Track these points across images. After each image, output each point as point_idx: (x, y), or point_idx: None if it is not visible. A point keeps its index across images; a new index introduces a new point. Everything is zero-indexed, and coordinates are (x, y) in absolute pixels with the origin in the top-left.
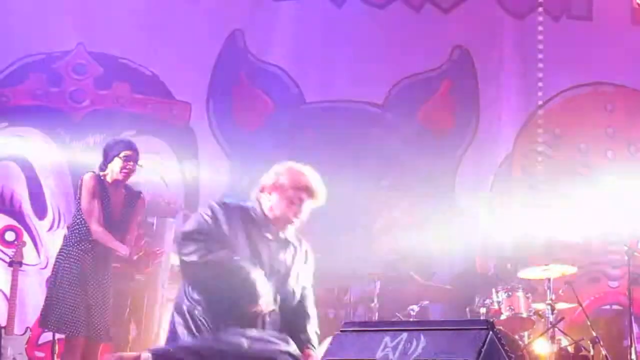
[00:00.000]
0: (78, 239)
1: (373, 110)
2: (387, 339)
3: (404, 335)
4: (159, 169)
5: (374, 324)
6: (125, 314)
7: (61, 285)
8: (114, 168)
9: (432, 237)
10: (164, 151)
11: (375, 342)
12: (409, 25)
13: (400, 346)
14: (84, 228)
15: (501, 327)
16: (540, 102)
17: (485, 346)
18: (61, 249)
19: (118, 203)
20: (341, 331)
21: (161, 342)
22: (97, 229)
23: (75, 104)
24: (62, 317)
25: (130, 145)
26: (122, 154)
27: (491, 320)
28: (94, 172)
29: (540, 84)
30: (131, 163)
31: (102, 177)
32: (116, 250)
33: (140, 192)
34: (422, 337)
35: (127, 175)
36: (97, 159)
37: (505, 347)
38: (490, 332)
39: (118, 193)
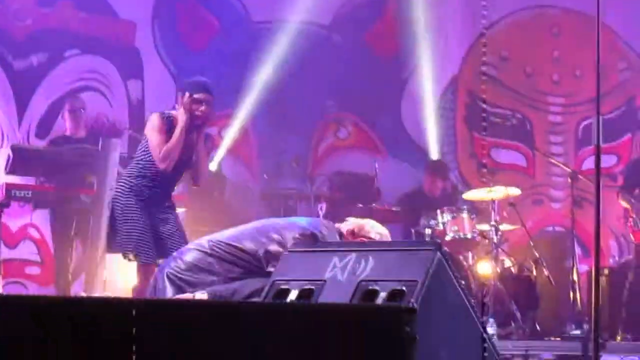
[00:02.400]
0: (142, 173)
1: (320, 31)
2: (335, 259)
3: (353, 255)
4: (103, 89)
5: (322, 245)
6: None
7: (128, 215)
8: (184, 108)
9: (378, 158)
10: (108, 71)
11: (323, 262)
12: None
13: (349, 267)
14: (149, 164)
15: (445, 249)
16: (486, 24)
17: (433, 267)
18: (122, 180)
19: (184, 143)
20: (289, 251)
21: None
22: (161, 157)
23: (17, 22)
24: (137, 243)
25: (203, 87)
26: (192, 96)
27: (438, 241)
28: (160, 112)
29: (485, 5)
30: (203, 106)
31: (169, 117)
32: None
33: (209, 135)
34: (370, 258)
35: (196, 118)
36: (39, 78)
37: (453, 268)
38: (438, 253)
39: (185, 134)
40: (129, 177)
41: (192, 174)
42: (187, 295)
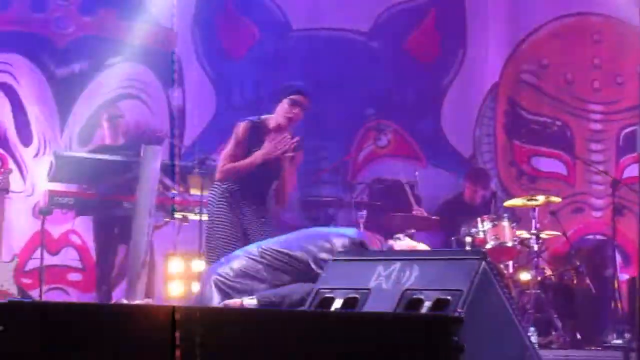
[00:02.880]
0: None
1: (359, 37)
2: (380, 268)
3: (397, 264)
4: (144, 97)
5: (367, 253)
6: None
7: (215, 222)
8: (279, 111)
9: (418, 166)
10: (149, 78)
11: (368, 271)
12: None
13: (394, 275)
14: None
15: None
16: (527, 32)
17: (478, 276)
18: (214, 186)
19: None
20: (334, 260)
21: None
22: (222, 169)
23: (59, 30)
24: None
25: (299, 90)
26: (289, 98)
27: (483, 250)
28: (250, 119)
29: (527, 13)
30: (297, 109)
31: (260, 122)
32: None
33: (299, 139)
34: (415, 267)
35: (290, 120)
36: (81, 85)
37: (498, 278)
38: (483, 262)
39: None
40: (219, 182)
41: (275, 194)
42: (235, 301)
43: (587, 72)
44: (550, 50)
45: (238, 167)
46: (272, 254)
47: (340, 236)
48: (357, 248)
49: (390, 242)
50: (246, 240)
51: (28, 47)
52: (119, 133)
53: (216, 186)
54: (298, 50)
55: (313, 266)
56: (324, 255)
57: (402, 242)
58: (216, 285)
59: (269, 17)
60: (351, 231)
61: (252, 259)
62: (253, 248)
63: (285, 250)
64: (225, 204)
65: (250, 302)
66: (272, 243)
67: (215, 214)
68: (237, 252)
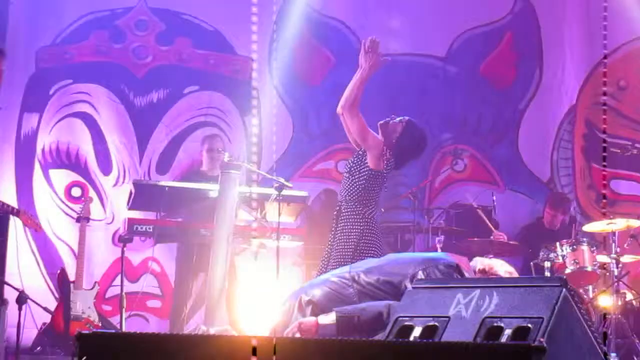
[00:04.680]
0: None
1: (435, 63)
2: (459, 295)
3: (477, 292)
4: (222, 125)
5: (446, 281)
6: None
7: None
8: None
9: (495, 190)
10: (226, 106)
11: (447, 298)
12: None
13: (473, 303)
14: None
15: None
16: (604, 53)
17: (558, 303)
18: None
19: None
20: (413, 288)
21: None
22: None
23: (138, 60)
24: None
25: None
26: None
27: (564, 277)
28: None
29: (604, 34)
30: None
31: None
32: None
33: None
34: (494, 294)
35: None
36: (160, 114)
37: (579, 305)
38: (564, 289)
39: None
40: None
41: None
42: (309, 319)
43: None
44: (627, 72)
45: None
46: (364, 278)
47: (435, 260)
48: (453, 271)
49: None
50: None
51: (107, 77)
52: (217, 164)
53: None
54: (374, 76)
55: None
56: (420, 277)
57: (477, 261)
58: (300, 308)
59: (345, 44)
60: (442, 255)
61: (344, 282)
62: (345, 271)
63: (379, 275)
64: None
65: (325, 319)
66: (365, 267)
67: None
68: (327, 275)
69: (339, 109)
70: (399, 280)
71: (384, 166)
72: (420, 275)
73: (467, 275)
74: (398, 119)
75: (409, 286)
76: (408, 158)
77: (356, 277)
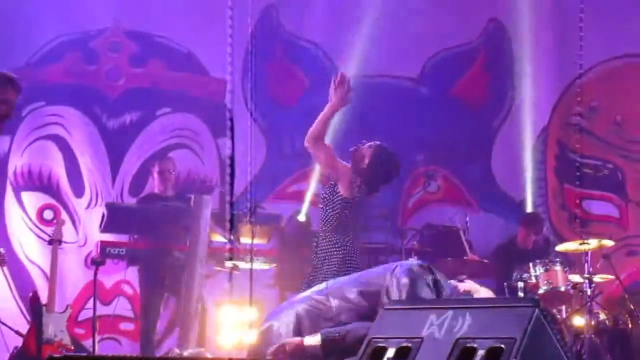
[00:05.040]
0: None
1: (408, 84)
2: (432, 316)
3: (450, 312)
4: (195, 147)
5: (419, 302)
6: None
7: None
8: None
9: (469, 211)
10: (199, 128)
11: (420, 319)
12: None
13: (446, 324)
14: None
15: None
16: (575, 74)
17: (531, 323)
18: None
19: None
20: (386, 309)
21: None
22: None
23: (111, 82)
24: None
25: None
26: None
27: (536, 297)
28: None
29: (579, 55)
30: None
31: None
32: None
33: None
34: (467, 315)
35: None
36: (133, 136)
37: (551, 325)
38: (537, 310)
39: None
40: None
41: None
42: (293, 340)
43: (637, 114)
44: (599, 93)
45: None
46: (345, 293)
47: (407, 262)
48: (426, 270)
49: (454, 282)
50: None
51: (79, 99)
52: (169, 185)
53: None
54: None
55: (385, 299)
56: (404, 281)
57: (466, 284)
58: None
59: (318, 66)
60: (414, 260)
61: (323, 299)
62: (322, 288)
63: (362, 289)
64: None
65: (311, 340)
66: (341, 282)
67: None
68: (305, 293)
69: (305, 142)
70: (377, 289)
71: (357, 192)
72: (398, 270)
73: (439, 277)
74: (368, 144)
75: (391, 290)
76: (379, 182)
77: (336, 293)
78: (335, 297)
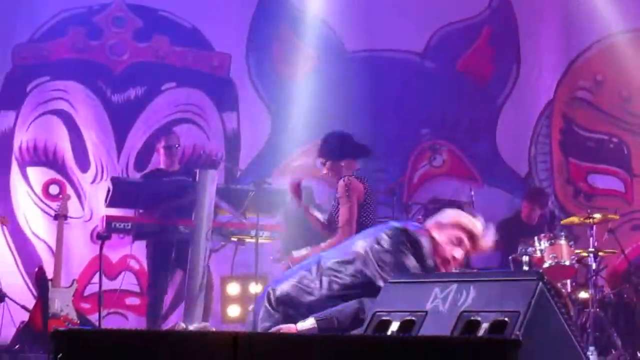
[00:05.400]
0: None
1: (413, 59)
2: (436, 290)
3: (454, 286)
4: (200, 121)
5: (423, 275)
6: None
7: None
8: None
9: (474, 186)
10: (204, 103)
11: (424, 293)
12: None
13: (450, 297)
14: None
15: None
16: (581, 48)
17: (535, 297)
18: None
19: None
20: (390, 282)
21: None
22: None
23: (115, 57)
24: None
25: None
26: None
27: (540, 270)
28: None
29: (580, 30)
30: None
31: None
32: None
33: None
34: (471, 288)
35: None
36: (137, 111)
37: (555, 298)
38: (540, 283)
39: None
40: None
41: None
42: (289, 327)
43: None
44: (604, 67)
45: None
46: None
47: (379, 230)
48: (403, 233)
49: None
50: None
51: (84, 74)
52: (175, 160)
53: None
54: (352, 72)
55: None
56: (375, 251)
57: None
58: (269, 302)
59: (324, 40)
60: (390, 223)
61: (309, 274)
62: (312, 261)
63: (341, 259)
64: None
65: (304, 325)
66: (329, 253)
67: None
68: (295, 268)
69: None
70: (354, 257)
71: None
72: (376, 236)
73: (418, 238)
74: None
75: (370, 257)
76: (343, 156)
77: (322, 264)
78: (317, 270)
